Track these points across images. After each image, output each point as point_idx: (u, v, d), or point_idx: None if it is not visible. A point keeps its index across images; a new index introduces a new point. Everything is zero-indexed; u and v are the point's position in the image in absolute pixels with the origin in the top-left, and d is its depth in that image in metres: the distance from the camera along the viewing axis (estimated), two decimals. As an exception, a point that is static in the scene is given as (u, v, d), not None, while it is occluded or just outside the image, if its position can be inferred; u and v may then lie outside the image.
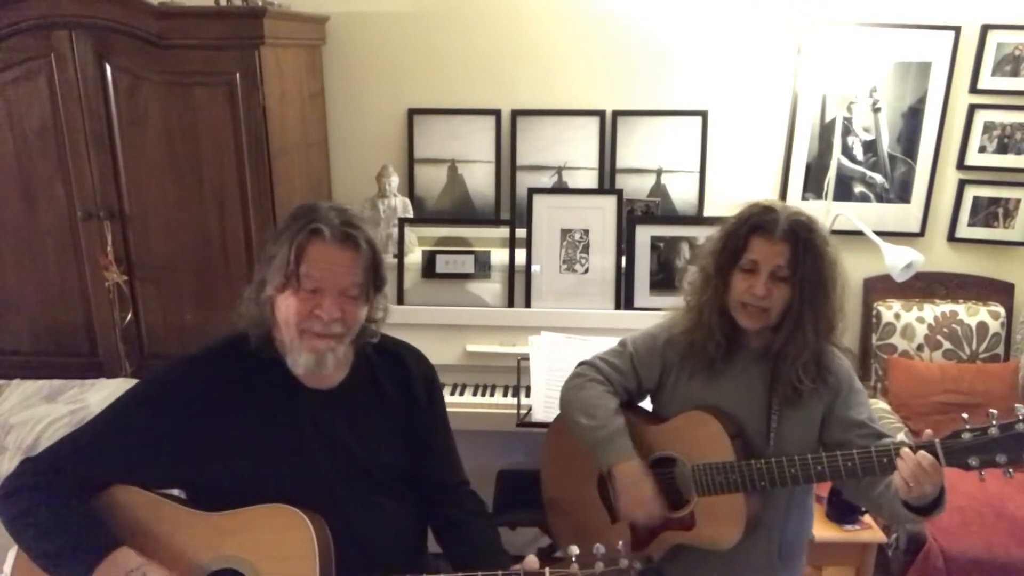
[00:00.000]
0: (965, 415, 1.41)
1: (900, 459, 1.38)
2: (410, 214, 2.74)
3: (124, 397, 1.45)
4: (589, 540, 1.76)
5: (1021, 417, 1.34)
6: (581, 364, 1.76)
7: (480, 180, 2.92)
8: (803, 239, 1.49)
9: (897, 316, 2.83)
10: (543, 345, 2.28)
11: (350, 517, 1.44)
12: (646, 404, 1.80)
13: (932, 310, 2.83)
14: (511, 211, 2.85)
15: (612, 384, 1.70)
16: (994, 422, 1.35)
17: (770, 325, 1.55)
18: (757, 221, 1.52)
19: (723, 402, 1.62)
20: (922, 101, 2.78)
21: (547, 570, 1.29)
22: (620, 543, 1.28)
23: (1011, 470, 1.36)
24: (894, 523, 1.56)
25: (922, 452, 1.38)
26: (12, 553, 1.78)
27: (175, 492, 1.49)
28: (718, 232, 1.60)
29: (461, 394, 2.43)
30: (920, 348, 2.81)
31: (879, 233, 2.52)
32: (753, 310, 1.53)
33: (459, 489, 1.64)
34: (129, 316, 2.49)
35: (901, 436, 2.49)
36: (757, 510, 1.58)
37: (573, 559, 1.28)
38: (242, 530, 1.38)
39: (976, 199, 2.88)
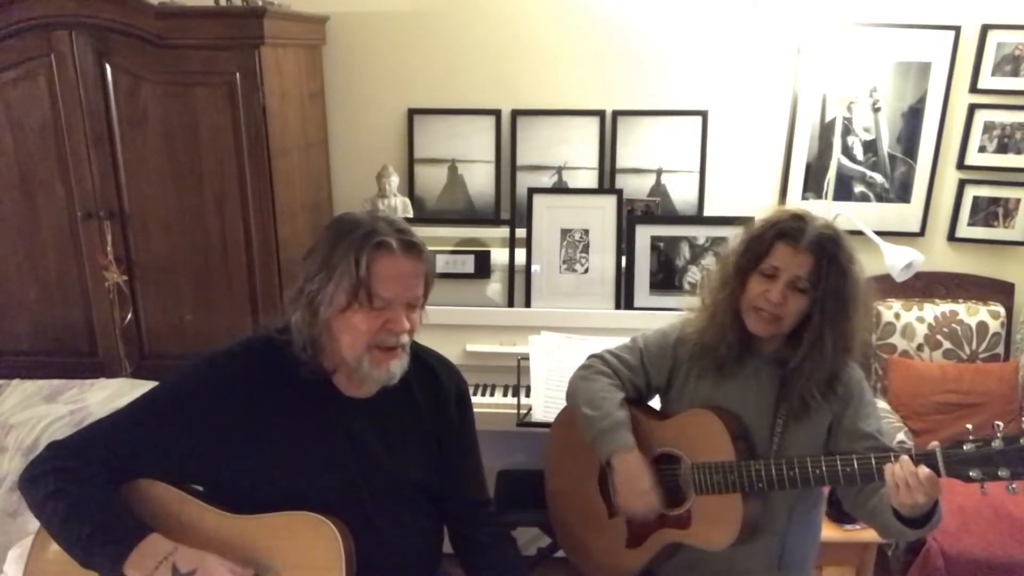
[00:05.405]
0: (970, 426, 1.38)
1: (895, 463, 1.36)
2: (410, 214, 2.74)
3: (157, 389, 1.41)
4: (585, 533, 1.73)
5: None
6: (591, 356, 1.76)
7: (480, 180, 2.92)
8: (829, 253, 1.46)
9: (897, 316, 2.83)
10: (543, 345, 2.28)
11: (373, 528, 1.42)
12: (655, 403, 1.80)
13: (932, 310, 2.83)
14: (511, 211, 2.84)
15: (620, 378, 1.70)
16: (999, 434, 1.32)
17: (781, 333, 1.54)
18: (784, 228, 1.49)
19: (730, 404, 1.60)
20: (922, 101, 2.78)
21: None
22: None
23: (1014, 485, 1.32)
24: (887, 537, 1.56)
25: (921, 465, 1.34)
26: (13, 553, 1.77)
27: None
28: (743, 233, 1.57)
29: (461, 394, 2.43)
30: (920, 348, 2.81)
31: (879, 233, 2.52)
32: (765, 315, 1.51)
33: (482, 509, 1.62)
34: (129, 316, 2.49)
35: (901, 436, 2.50)
36: (756, 515, 1.57)
37: None
38: (269, 536, 1.35)
39: (976, 199, 2.88)
